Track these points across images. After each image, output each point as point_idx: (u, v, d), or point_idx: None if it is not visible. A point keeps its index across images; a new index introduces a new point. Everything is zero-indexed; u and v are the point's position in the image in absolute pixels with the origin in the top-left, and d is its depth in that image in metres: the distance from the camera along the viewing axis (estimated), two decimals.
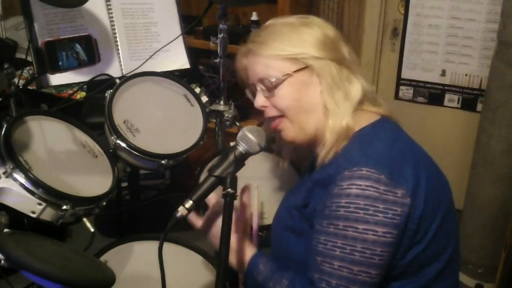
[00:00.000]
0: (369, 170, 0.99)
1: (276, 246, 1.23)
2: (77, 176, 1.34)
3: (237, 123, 1.93)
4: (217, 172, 1.08)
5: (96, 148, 1.47)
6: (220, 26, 1.83)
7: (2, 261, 0.96)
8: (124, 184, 2.63)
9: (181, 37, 1.81)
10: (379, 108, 1.17)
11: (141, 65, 1.71)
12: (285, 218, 1.18)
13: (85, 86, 1.74)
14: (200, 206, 1.19)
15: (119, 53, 1.71)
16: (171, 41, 1.77)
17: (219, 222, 1.12)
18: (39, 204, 1.20)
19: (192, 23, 1.86)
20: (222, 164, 1.09)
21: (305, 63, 1.11)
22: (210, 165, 1.62)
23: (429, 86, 2.78)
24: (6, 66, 1.40)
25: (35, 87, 1.62)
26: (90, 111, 2.36)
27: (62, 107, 1.60)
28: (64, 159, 1.37)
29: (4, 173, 1.19)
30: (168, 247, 1.31)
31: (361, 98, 1.13)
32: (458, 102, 2.74)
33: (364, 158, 1.02)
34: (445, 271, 1.11)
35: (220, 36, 1.85)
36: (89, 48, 1.38)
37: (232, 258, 1.15)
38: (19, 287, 1.55)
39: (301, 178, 1.37)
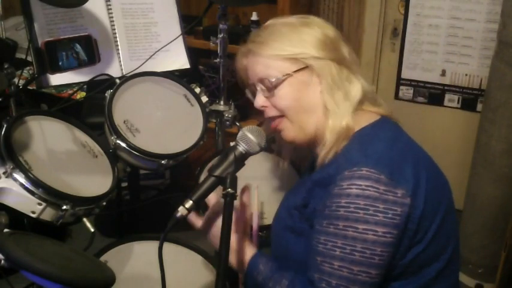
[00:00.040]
0: (369, 170, 0.99)
1: (276, 246, 1.23)
2: (77, 176, 1.34)
3: (237, 123, 1.93)
4: (217, 172, 1.08)
5: (96, 148, 1.47)
6: (220, 26, 1.83)
7: (2, 261, 0.96)
8: (124, 184, 2.62)
9: (181, 37, 1.81)
10: (379, 108, 1.17)
11: (141, 65, 1.71)
12: (285, 218, 1.18)
13: (85, 86, 1.74)
14: (200, 206, 1.19)
15: (118, 53, 1.71)
16: (171, 41, 1.77)
17: (219, 222, 1.12)
18: (39, 204, 1.20)
19: (192, 23, 1.86)
20: (222, 164, 1.09)
21: (305, 63, 1.11)
22: (210, 165, 1.61)
23: (429, 86, 2.78)
24: (6, 66, 1.40)
25: (35, 87, 1.62)
26: (90, 111, 2.36)
27: (62, 107, 1.60)
28: (64, 159, 1.37)
29: (4, 173, 1.19)
30: (168, 247, 1.31)
31: (361, 98, 1.13)
32: (458, 102, 2.74)
33: (364, 158, 1.02)
34: (445, 271, 1.11)
35: (220, 36, 1.85)
36: (89, 48, 1.38)
37: (232, 258, 1.15)
38: (19, 287, 1.55)
39: (301, 178, 1.37)
